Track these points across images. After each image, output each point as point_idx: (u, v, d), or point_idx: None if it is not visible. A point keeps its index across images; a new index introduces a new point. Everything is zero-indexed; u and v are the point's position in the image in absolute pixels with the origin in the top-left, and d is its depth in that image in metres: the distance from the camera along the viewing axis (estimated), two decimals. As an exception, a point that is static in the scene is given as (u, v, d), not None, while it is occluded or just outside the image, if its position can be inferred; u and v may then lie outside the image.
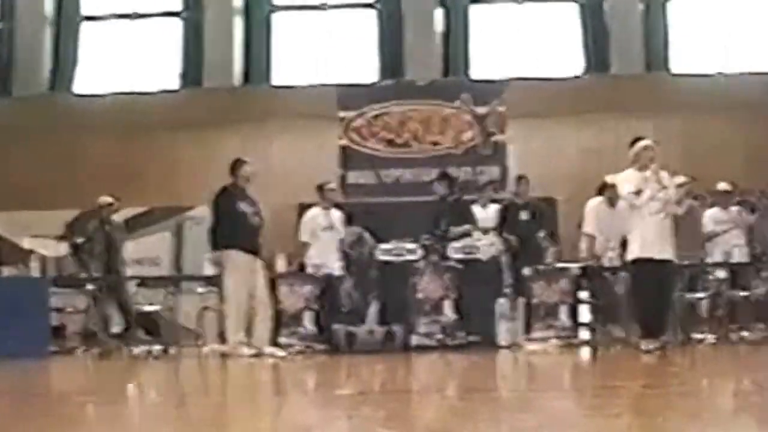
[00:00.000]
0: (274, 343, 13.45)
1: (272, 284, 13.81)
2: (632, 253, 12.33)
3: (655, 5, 20.01)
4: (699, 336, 12.88)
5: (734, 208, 15.03)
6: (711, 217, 14.82)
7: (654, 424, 6.00)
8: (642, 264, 12.20)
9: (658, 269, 12.12)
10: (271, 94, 20.15)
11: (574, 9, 20.10)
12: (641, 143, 12.43)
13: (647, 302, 12.18)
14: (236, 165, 13.50)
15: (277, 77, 20.53)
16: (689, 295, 13.61)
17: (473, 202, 15.51)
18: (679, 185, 12.80)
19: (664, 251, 12.19)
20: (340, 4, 20.66)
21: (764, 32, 20.22)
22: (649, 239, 12.13)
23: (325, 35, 20.47)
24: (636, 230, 12.26)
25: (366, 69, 20.02)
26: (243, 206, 13.30)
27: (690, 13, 20.29)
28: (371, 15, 20.32)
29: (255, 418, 6.80)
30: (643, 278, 12.25)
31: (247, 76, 20.48)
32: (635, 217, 12.26)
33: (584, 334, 13.55)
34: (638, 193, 12.17)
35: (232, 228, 13.18)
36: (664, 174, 12.35)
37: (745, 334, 13.32)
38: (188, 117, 19.34)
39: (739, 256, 14.02)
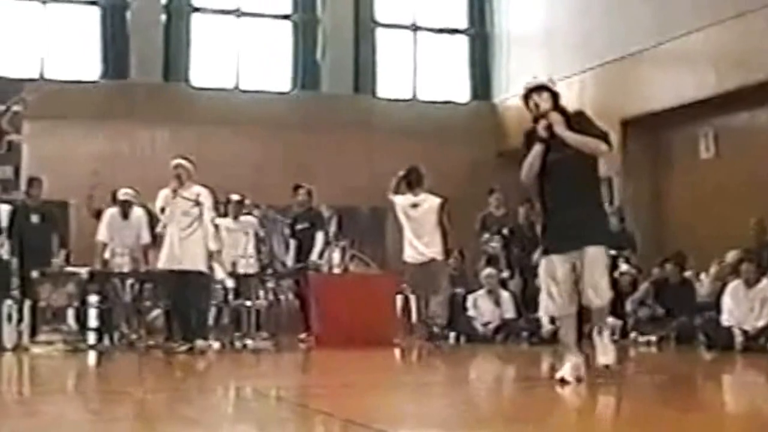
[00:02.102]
0: None
1: None
2: (159, 262, 13.22)
3: (178, 16, 20.25)
4: (207, 343, 13.15)
5: (243, 218, 15.50)
6: (224, 226, 15.23)
7: (152, 429, 6.15)
8: (167, 273, 13.10)
9: (182, 279, 12.96)
10: None
11: (95, 12, 19.97)
12: (172, 162, 13.08)
13: (175, 308, 13.28)
14: None
15: None
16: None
17: (5, 201, 15.10)
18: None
19: (190, 262, 12.98)
20: None
21: (280, 54, 21.07)
22: (175, 252, 12.99)
23: None
24: (166, 242, 13.09)
25: None
26: None
27: (211, 28, 20.74)
28: None
29: None
30: (169, 286, 13.24)
31: None
32: (167, 230, 13.10)
33: (92, 338, 13.50)
34: (163, 210, 13.07)
35: None
36: (198, 189, 13.15)
37: (248, 342, 13.73)
38: None
39: (245, 266, 14.45)
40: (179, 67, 20.16)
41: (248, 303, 14.22)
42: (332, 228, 15.75)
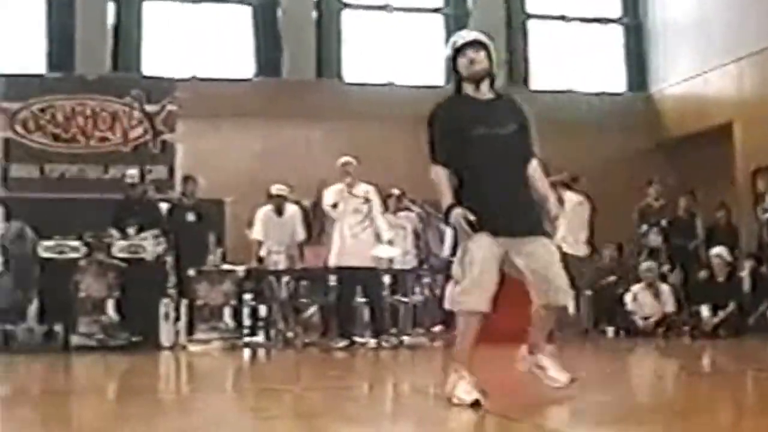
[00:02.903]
0: None
1: None
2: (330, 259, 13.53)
3: (329, 13, 20.31)
4: (361, 339, 13.18)
5: (402, 214, 15.49)
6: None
7: (311, 426, 6.08)
8: (333, 270, 13.51)
9: (351, 275, 13.29)
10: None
11: (247, 11, 20.15)
12: (341, 160, 13.56)
13: (339, 305, 13.50)
14: None
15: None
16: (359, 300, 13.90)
17: (162, 200, 15.41)
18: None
19: (361, 258, 13.31)
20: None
21: (430, 48, 20.95)
22: (345, 248, 13.29)
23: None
24: (336, 239, 13.42)
25: (34, 60, 19.42)
26: None
27: (362, 24, 20.73)
28: (40, 4, 19.71)
29: None
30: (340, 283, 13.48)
31: None
32: (336, 227, 13.44)
33: (249, 336, 13.63)
34: (335, 206, 13.40)
35: None
36: (366, 187, 13.57)
37: (405, 338, 13.68)
38: None
39: (402, 263, 14.44)
40: (331, 64, 20.21)
41: (405, 299, 14.19)
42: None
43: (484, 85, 6.99)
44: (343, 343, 12.93)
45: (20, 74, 18.68)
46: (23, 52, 19.33)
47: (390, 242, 13.55)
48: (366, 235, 13.37)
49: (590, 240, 14.79)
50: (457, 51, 6.99)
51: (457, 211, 6.57)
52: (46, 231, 14.30)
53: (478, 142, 6.78)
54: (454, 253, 14.64)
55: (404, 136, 19.46)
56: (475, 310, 6.68)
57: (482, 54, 6.94)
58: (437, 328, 14.43)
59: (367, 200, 13.39)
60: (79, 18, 19.19)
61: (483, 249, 6.63)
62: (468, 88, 7.02)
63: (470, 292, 6.64)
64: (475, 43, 6.98)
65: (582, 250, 14.31)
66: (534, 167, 6.96)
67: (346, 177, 13.48)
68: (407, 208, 15.74)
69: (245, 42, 20.08)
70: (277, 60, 19.88)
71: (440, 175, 6.77)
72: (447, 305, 7.16)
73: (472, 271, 6.62)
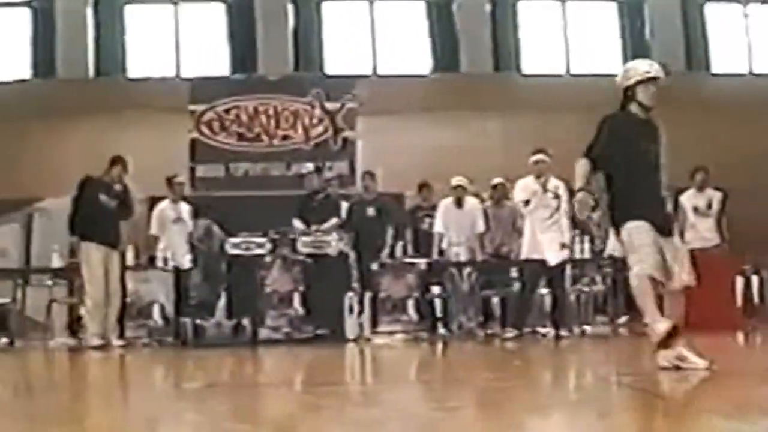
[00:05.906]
0: (121, 335, 13.44)
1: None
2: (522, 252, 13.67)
3: (503, 5, 20.32)
4: (543, 330, 13.21)
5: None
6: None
7: (495, 416, 6.15)
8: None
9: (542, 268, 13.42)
10: (124, 85, 19.90)
11: (422, 7, 20.30)
12: (533, 157, 13.56)
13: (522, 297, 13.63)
14: (114, 161, 13.60)
15: (131, 69, 20.28)
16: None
17: (344, 197, 15.68)
18: None
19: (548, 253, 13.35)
20: (191, -3, 20.55)
21: (607, 35, 20.76)
22: (536, 242, 13.39)
23: (178, 28, 20.28)
24: (526, 233, 13.58)
25: (218, 63, 19.94)
26: (104, 198, 13.37)
27: (537, 15, 20.67)
28: (221, 9, 20.23)
29: (101, 411, 6.79)
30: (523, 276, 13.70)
31: (100, 67, 20.16)
32: (527, 222, 13.57)
33: (431, 328, 13.75)
34: (527, 203, 13.47)
35: (89, 219, 13.23)
36: (556, 182, 13.45)
37: (586, 327, 13.65)
38: (39, 107, 18.98)
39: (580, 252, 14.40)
40: (508, 56, 20.20)
41: (586, 289, 14.14)
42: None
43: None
44: (511, 334, 13.05)
45: (205, 77, 19.22)
46: (207, 56, 19.87)
47: (564, 245, 13.42)
48: (555, 230, 13.39)
49: None
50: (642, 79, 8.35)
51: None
52: (233, 228, 14.68)
53: (640, 154, 8.38)
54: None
55: (583, 127, 19.39)
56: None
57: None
58: (622, 319, 14.37)
59: (557, 195, 13.37)
60: (260, 21, 19.63)
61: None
62: (634, 107, 8.50)
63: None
64: (659, 79, 8.41)
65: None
66: None
67: (538, 174, 13.48)
68: None
69: (422, 38, 20.25)
70: (455, 55, 19.98)
71: (584, 167, 8.36)
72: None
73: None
